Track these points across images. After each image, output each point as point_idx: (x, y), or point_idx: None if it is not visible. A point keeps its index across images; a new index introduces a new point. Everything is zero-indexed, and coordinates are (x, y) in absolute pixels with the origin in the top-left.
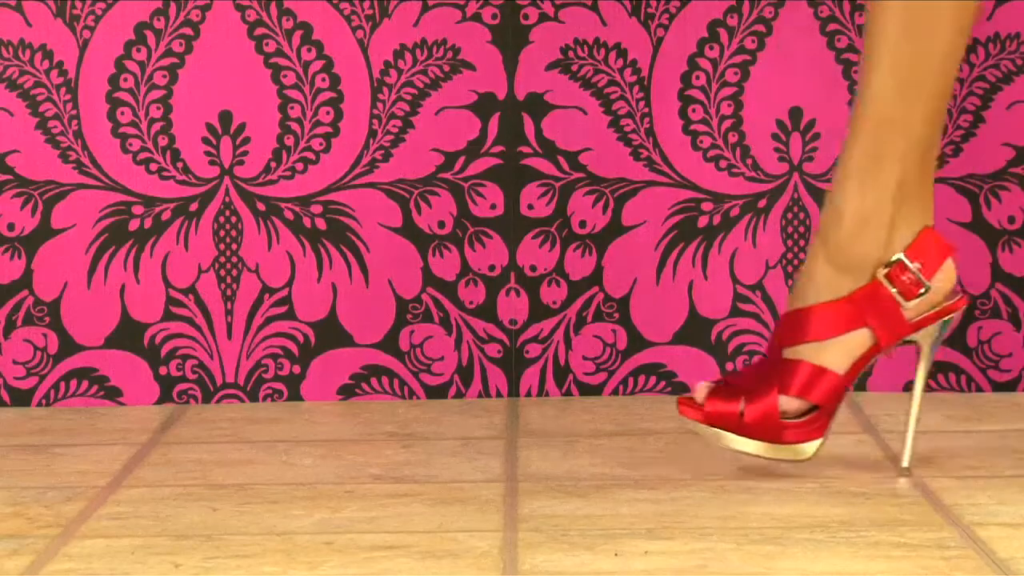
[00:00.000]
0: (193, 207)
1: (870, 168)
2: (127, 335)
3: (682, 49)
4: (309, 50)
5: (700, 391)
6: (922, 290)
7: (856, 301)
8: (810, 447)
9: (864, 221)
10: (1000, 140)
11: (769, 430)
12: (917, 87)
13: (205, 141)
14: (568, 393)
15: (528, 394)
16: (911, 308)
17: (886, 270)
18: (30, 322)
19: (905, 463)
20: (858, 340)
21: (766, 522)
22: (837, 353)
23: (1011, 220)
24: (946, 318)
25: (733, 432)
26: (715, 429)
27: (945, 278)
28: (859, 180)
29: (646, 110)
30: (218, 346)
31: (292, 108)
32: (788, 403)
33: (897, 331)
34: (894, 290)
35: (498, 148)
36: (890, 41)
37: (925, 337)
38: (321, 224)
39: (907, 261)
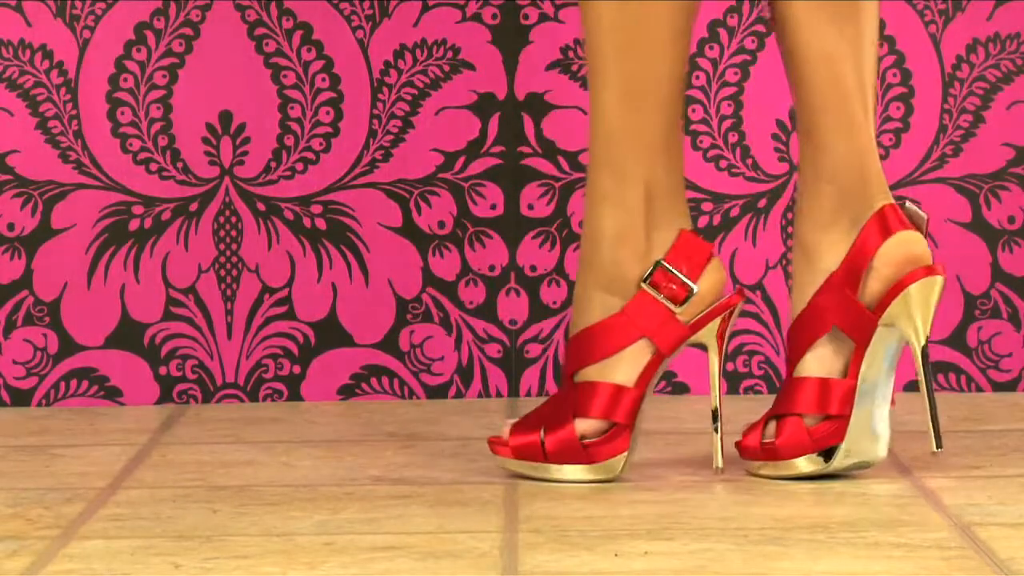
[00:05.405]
0: (193, 207)
1: (616, 188)
2: (127, 335)
3: None
4: (309, 50)
5: (505, 429)
6: (688, 293)
7: (628, 314)
8: (617, 462)
9: (620, 239)
10: (1000, 140)
11: (573, 454)
12: (643, 98)
13: (205, 141)
14: None
15: (528, 394)
16: (683, 312)
17: (649, 279)
18: (30, 322)
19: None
20: (638, 352)
21: (766, 522)
22: (623, 368)
23: (1011, 220)
24: (723, 314)
25: (541, 462)
26: (529, 463)
27: (712, 277)
28: (609, 201)
29: None
30: (218, 346)
31: (292, 108)
32: (587, 425)
33: (674, 336)
34: (662, 297)
35: (498, 148)
36: (609, 58)
37: (707, 336)
38: (321, 224)
39: (668, 266)
